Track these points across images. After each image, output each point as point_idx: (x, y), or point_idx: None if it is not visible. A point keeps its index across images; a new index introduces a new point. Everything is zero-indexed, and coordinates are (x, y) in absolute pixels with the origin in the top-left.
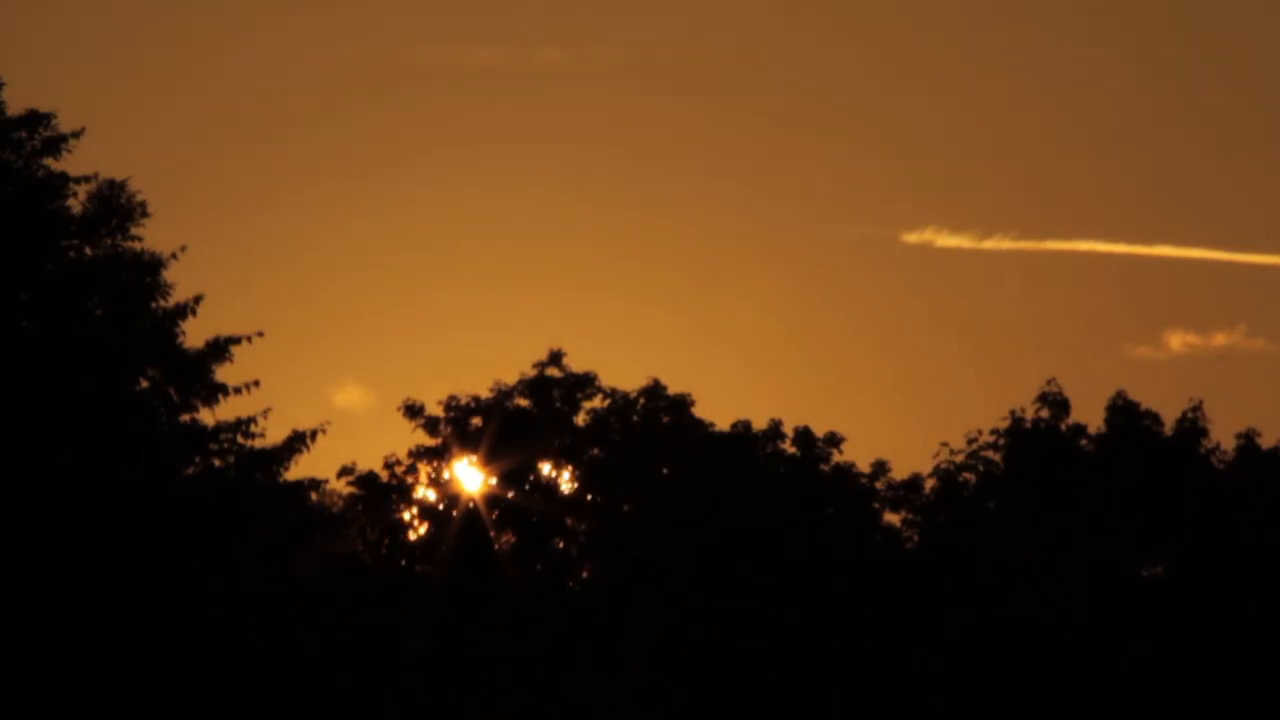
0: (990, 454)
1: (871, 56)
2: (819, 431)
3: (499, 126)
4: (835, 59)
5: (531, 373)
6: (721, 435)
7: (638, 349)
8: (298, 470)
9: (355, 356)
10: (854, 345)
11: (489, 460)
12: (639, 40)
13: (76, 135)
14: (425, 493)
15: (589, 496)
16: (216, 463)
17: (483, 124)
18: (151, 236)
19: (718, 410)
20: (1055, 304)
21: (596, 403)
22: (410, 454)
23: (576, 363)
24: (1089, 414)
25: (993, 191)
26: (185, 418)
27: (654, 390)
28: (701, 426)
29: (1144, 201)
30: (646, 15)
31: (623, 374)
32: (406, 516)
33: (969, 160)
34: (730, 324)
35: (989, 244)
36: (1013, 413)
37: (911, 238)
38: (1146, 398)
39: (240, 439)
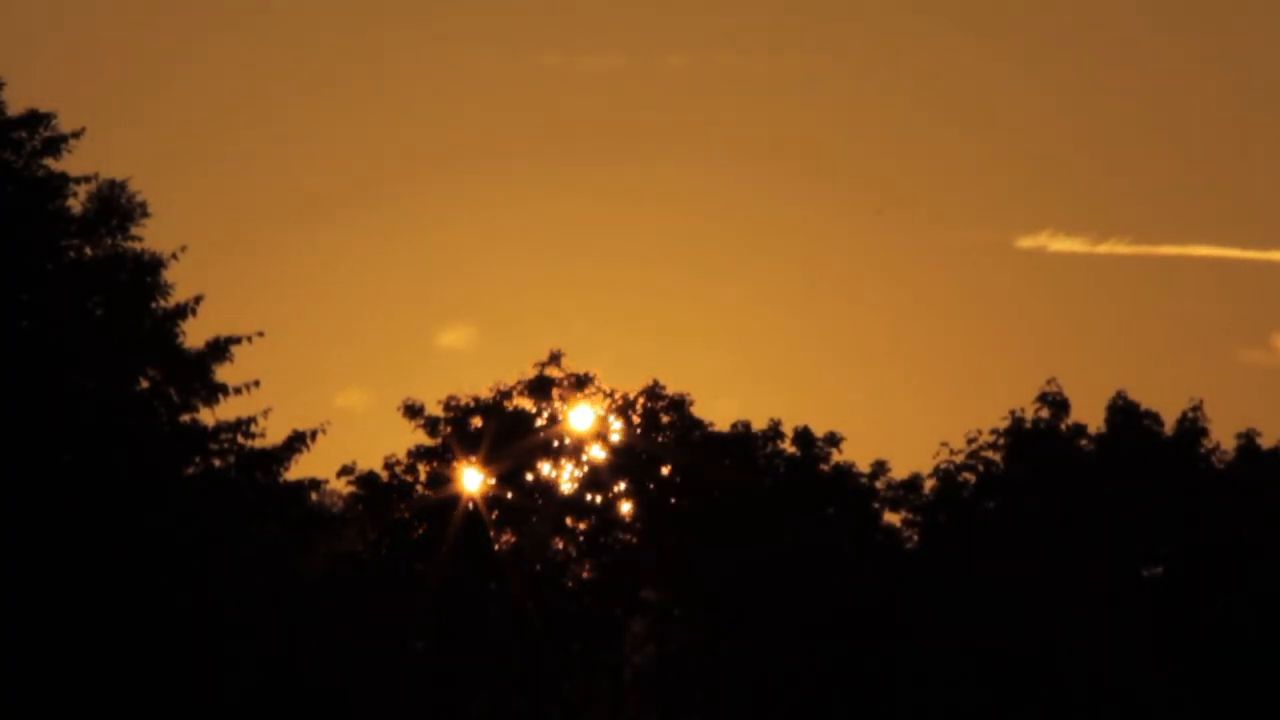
0: (990, 454)
1: (987, 60)
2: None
3: (551, 128)
4: (950, 63)
5: (532, 373)
6: (721, 435)
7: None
8: (298, 470)
9: (355, 356)
10: (962, 348)
11: (489, 460)
12: (759, 47)
13: (76, 135)
14: (425, 493)
15: (589, 496)
16: (216, 463)
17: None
18: (151, 236)
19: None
20: (1166, 308)
21: (598, 401)
22: (410, 454)
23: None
24: (1089, 414)
25: (1108, 196)
26: (185, 418)
27: (654, 390)
28: (701, 426)
29: (1258, 206)
30: (766, 22)
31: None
32: (407, 516)
33: (1086, 165)
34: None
35: (1103, 248)
36: (1013, 413)
37: (1026, 242)
38: (1256, 402)
39: (240, 439)
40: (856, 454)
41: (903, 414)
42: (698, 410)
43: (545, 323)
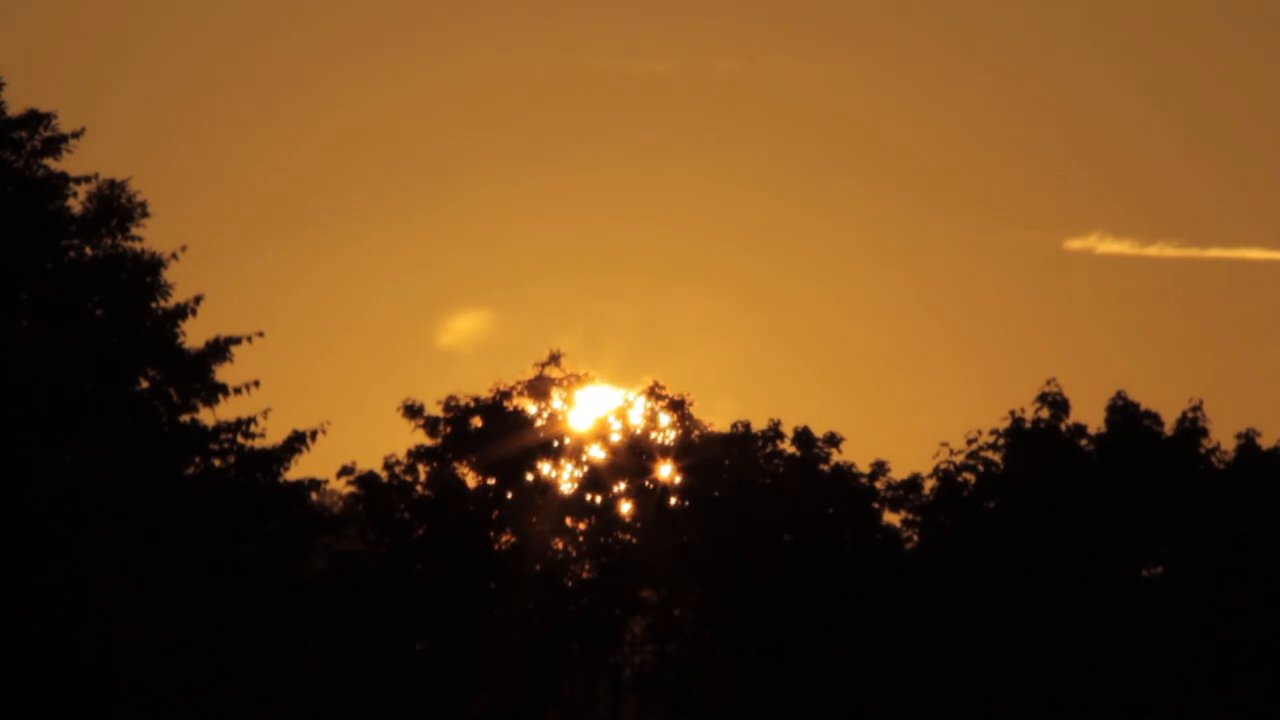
0: (990, 454)
1: (1038, 64)
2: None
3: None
4: (999, 67)
5: (532, 372)
6: (721, 435)
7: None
8: (298, 470)
9: (355, 356)
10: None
11: (489, 460)
12: (808, 50)
13: (76, 135)
14: (425, 493)
15: (589, 496)
16: (216, 463)
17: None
18: (151, 236)
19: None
20: (1213, 310)
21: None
22: (410, 454)
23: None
24: (1088, 414)
25: (1157, 199)
26: (185, 418)
27: (654, 390)
28: (700, 426)
29: None
30: (815, 27)
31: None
32: (407, 516)
33: (1135, 166)
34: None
35: (1152, 250)
36: (1012, 413)
37: (1075, 244)
38: None
39: (240, 439)
40: (856, 454)
41: (903, 414)
42: (697, 410)
43: (547, 322)
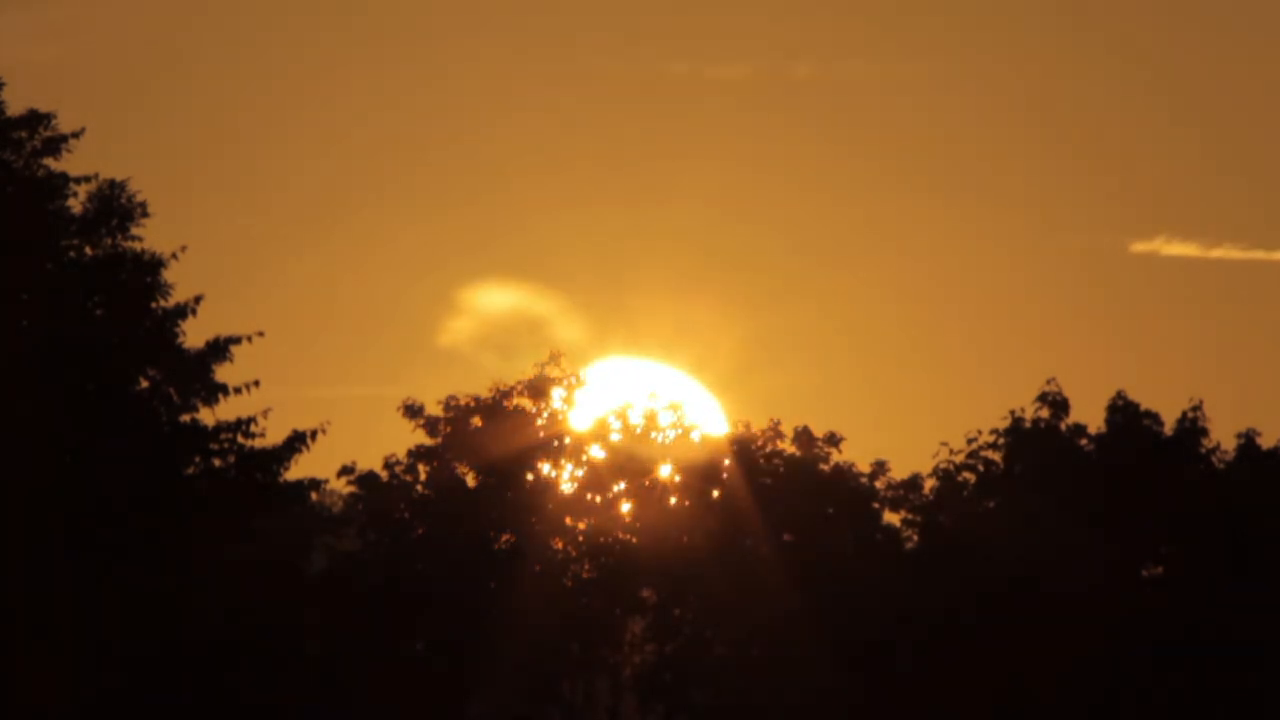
0: (990, 454)
1: (1104, 65)
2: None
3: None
4: (1069, 70)
5: (532, 372)
6: (721, 435)
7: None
8: (298, 470)
9: (355, 356)
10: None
11: (489, 460)
12: (883, 55)
13: (76, 135)
14: (425, 493)
15: (589, 496)
16: (216, 463)
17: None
18: (151, 236)
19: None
20: (1272, 314)
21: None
22: (410, 454)
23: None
24: (1088, 414)
25: (1222, 202)
26: (185, 418)
27: (655, 391)
28: (700, 426)
29: None
30: (889, 31)
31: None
32: (407, 516)
33: (1202, 171)
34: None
35: (1216, 253)
36: (1012, 413)
37: (1140, 247)
38: None
39: (240, 439)
40: (856, 454)
41: (903, 414)
42: (697, 411)
43: (548, 322)
